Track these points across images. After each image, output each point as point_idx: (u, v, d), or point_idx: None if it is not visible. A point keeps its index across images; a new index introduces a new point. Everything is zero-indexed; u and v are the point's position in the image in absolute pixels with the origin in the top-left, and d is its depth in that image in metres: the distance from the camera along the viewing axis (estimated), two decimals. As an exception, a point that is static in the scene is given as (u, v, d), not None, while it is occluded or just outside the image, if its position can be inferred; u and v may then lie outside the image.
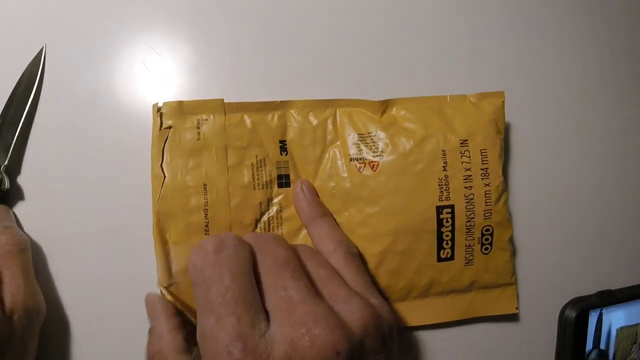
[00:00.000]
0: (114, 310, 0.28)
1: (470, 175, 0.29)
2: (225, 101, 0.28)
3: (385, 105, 0.30)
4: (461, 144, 0.29)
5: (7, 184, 0.26)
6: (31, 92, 0.27)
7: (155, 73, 0.29)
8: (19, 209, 0.27)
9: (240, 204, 0.28)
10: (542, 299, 0.34)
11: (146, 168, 0.28)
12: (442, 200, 0.28)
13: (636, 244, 0.37)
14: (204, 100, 0.28)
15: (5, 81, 0.28)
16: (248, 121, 0.28)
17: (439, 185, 0.28)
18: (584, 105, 0.36)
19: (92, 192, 0.28)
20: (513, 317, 0.33)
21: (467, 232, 0.29)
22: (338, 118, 0.29)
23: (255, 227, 0.28)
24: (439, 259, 0.29)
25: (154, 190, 0.27)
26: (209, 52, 0.30)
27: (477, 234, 0.29)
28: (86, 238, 0.28)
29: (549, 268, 0.34)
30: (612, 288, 0.35)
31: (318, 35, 0.32)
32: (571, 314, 0.33)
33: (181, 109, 0.27)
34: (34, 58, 0.28)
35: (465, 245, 0.29)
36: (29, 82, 0.28)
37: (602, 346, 0.34)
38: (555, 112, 0.35)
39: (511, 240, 0.31)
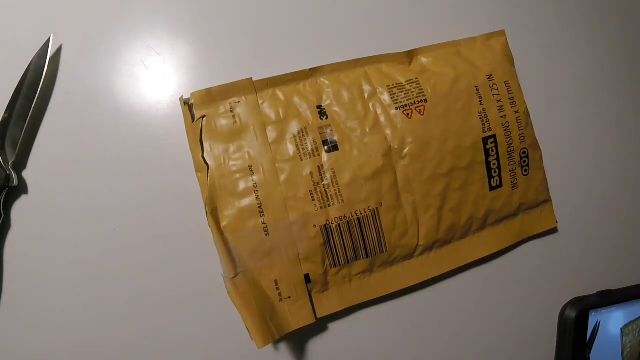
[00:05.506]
0: (112, 304, 0.28)
1: (502, 105, 0.31)
2: (253, 79, 0.28)
3: (411, 55, 0.31)
4: (488, 78, 0.31)
5: (15, 181, 0.26)
6: (38, 86, 0.27)
7: (155, 73, 0.29)
8: (23, 203, 0.27)
9: (289, 178, 0.27)
10: (542, 299, 0.34)
11: (146, 166, 0.28)
12: (485, 132, 0.30)
13: (636, 244, 0.36)
14: (232, 83, 0.28)
15: (9, 75, 0.28)
16: (280, 94, 0.28)
17: (480, 118, 0.30)
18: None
19: (93, 191, 0.28)
20: (513, 318, 0.33)
21: (509, 157, 0.31)
22: (369, 74, 0.30)
23: (312, 199, 0.27)
24: (491, 188, 0.31)
25: (201, 182, 0.27)
26: (209, 52, 0.30)
27: (517, 158, 0.31)
28: (86, 236, 0.28)
29: (550, 268, 0.34)
30: (612, 288, 0.34)
31: (318, 33, 0.32)
32: (571, 314, 0.33)
33: (211, 96, 0.27)
34: (41, 49, 0.27)
35: (510, 171, 0.31)
36: (36, 74, 0.27)
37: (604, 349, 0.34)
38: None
39: (541, 159, 0.33)
